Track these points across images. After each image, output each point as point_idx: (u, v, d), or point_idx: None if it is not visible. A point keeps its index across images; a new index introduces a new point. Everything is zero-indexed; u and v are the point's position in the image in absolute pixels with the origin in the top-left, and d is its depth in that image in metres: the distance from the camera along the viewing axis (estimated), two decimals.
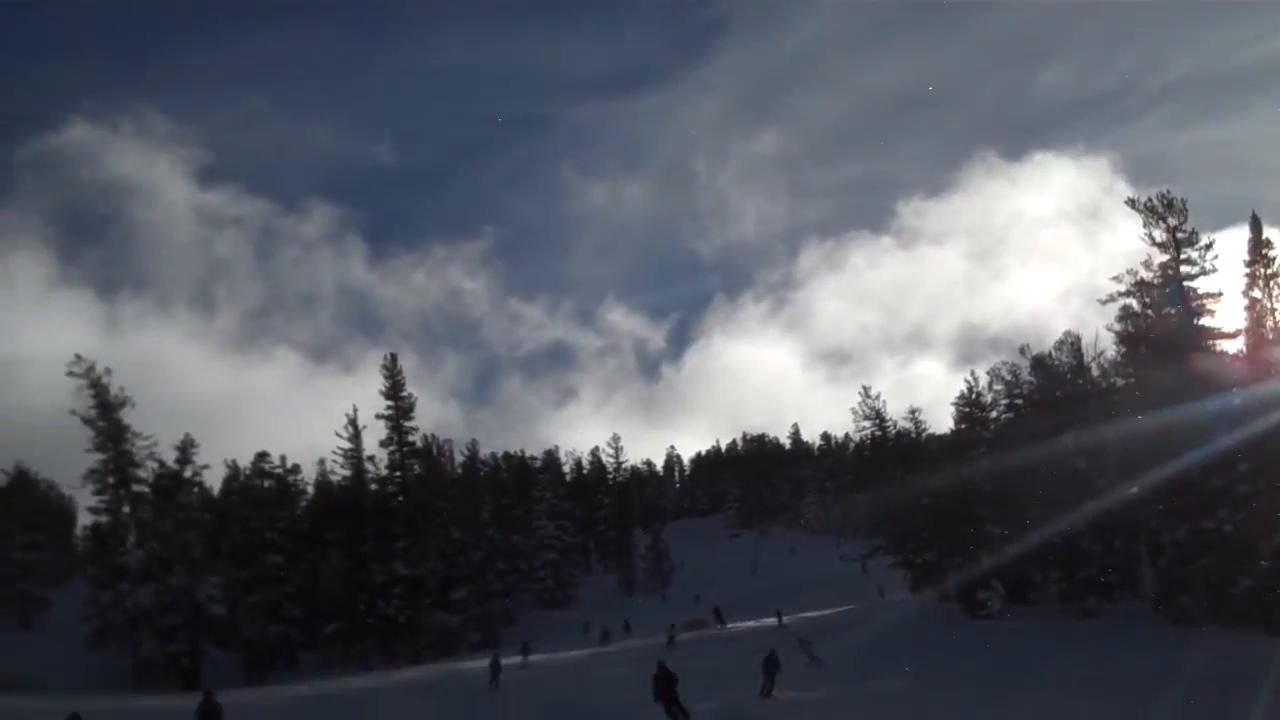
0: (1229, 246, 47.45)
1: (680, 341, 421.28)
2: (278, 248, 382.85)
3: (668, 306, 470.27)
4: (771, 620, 50.38)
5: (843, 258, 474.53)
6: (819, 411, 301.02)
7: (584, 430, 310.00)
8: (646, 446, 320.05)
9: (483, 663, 37.25)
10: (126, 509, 51.96)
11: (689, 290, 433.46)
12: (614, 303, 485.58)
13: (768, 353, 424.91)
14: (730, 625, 52.35)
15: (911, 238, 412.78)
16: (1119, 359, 46.60)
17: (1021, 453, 45.67)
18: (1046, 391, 49.74)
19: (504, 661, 36.16)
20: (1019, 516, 43.98)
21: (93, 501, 52.12)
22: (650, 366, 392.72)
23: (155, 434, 52.94)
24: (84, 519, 71.34)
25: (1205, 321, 40.13)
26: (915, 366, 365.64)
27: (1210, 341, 39.79)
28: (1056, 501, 41.85)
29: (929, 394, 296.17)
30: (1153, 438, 38.64)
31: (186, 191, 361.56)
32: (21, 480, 74.18)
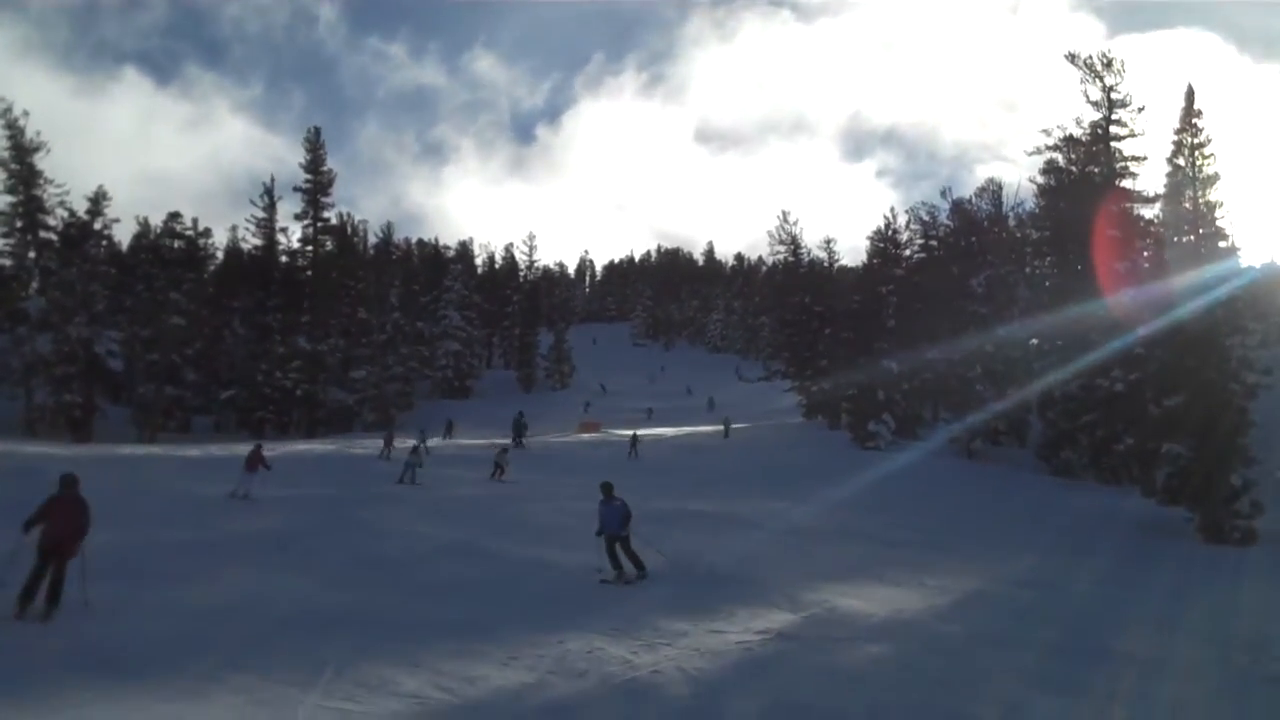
0: (1161, 114, 49.01)
1: (556, 103, 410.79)
2: None
3: (543, 64, 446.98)
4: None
5: (734, 28, 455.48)
6: (716, 213, 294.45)
7: (449, 188, 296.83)
8: (555, 249, 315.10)
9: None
10: (32, 255, 52.21)
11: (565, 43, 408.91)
12: (483, 50, 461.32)
13: (649, 127, 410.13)
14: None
15: (813, 13, 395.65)
16: (1037, 211, 48.55)
17: (929, 293, 47.79)
18: (962, 235, 51.54)
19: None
20: (918, 355, 45.52)
21: None
22: (524, 127, 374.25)
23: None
24: None
25: (1126, 184, 41.85)
26: (802, 153, 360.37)
27: (1129, 204, 41.34)
28: (956, 345, 43.99)
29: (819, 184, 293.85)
30: (1059, 292, 40.91)
31: None
32: None
